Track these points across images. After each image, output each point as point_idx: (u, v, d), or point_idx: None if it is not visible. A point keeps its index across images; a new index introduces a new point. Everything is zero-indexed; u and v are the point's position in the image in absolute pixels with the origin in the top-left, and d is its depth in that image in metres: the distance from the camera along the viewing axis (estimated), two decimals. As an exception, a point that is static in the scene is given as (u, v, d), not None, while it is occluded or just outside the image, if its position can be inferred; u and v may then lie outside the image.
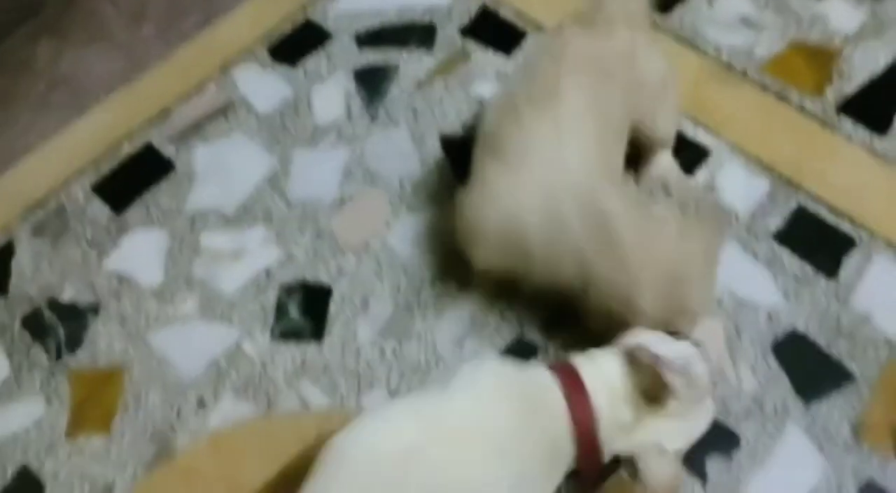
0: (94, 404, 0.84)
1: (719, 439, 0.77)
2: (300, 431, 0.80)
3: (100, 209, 0.97)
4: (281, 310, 0.88)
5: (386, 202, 0.94)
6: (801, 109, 0.96)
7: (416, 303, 0.87)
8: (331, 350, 0.85)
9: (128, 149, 1.01)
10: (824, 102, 0.97)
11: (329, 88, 1.03)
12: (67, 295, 0.91)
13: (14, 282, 0.92)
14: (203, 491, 0.78)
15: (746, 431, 0.78)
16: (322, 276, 0.90)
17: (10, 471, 0.81)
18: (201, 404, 0.83)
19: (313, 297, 0.88)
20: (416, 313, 0.87)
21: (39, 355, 0.88)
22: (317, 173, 0.97)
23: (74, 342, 0.88)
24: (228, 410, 0.82)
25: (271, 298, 0.89)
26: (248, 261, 0.91)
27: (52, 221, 0.96)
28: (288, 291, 0.89)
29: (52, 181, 0.99)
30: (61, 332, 0.89)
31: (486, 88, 1.01)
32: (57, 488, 0.80)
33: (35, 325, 0.90)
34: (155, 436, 0.82)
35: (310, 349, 0.85)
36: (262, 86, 1.04)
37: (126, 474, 0.80)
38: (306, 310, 0.88)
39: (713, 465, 0.77)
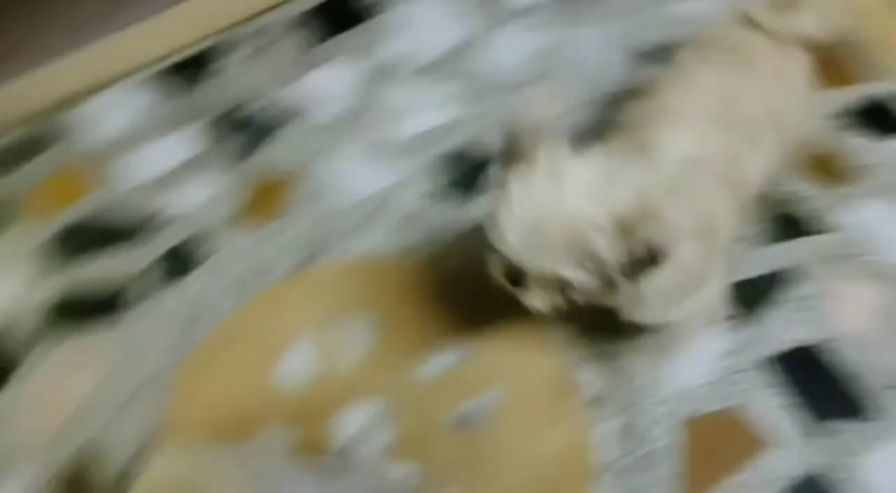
0: (265, 201, 0.91)
1: (855, 403, 0.76)
2: (440, 275, 0.84)
3: (301, 38, 1.02)
4: (443, 167, 0.92)
5: (567, 94, 0.95)
6: None
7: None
8: (477, 213, 0.88)
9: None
10: None
11: (540, -28, 1.04)
12: (262, 103, 0.98)
13: (219, 82, 1.01)
14: (336, 300, 0.84)
15: (886, 403, 0.76)
16: (490, 146, 0.92)
17: (170, 246, 0.89)
18: (354, 228, 0.89)
19: (478, 163, 0.91)
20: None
21: (231, 145, 0.96)
22: (509, 50, 0.99)
23: (260, 143, 0.95)
24: (376, 242, 0.87)
25: (438, 153, 0.92)
26: (425, 116, 0.95)
27: (257, 39, 1.03)
28: (455, 152, 0.92)
29: (263, 5, 1.05)
30: (251, 132, 0.96)
31: (691, 8, 0.99)
32: (217, 263, 0.88)
33: (232, 120, 0.98)
34: (311, 243, 0.88)
35: (460, 210, 0.89)
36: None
37: (280, 265, 0.87)
38: (466, 173, 0.91)
39: (843, 426, 0.75)
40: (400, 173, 0.92)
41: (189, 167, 0.94)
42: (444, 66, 0.99)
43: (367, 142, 0.94)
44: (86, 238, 0.91)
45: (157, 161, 0.95)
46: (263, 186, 0.92)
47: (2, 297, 0.88)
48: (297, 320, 0.83)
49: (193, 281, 0.87)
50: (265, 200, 0.91)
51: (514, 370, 0.78)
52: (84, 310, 0.86)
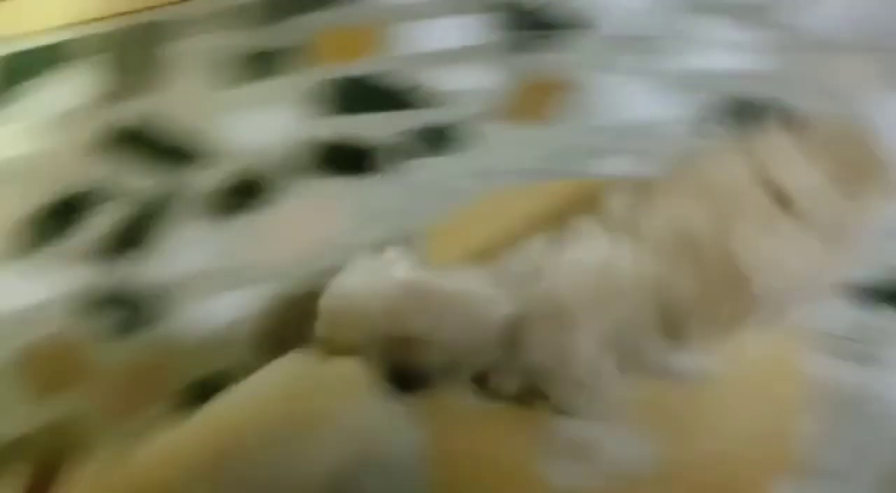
0: (532, 102, 0.91)
1: None
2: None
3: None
4: (722, 110, 0.88)
5: (875, 71, 0.87)
6: None
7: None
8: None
9: None
10: None
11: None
12: (557, 5, 0.97)
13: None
14: (571, 213, 0.82)
15: None
16: (779, 102, 0.87)
17: (430, 123, 0.91)
18: (611, 148, 0.87)
19: (758, 115, 0.86)
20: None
21: (515, 39, 0.96)
22: (830, 10, 0.92)
23: (544, 44, 0.95)
24: (627, 167, 0.86)
25: (721, 95, 0.88)
26: (720, 55, 0.91)
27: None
28: (739, 98, 0.88)
29: None
30: (538, 31, 0.96)
31: None
32: (469, 149, 0.89)
33: (523, 14, 0.97)
34: (564, 152, 0.88)
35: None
36: None
37: (527, 166, 0.87)
38: (743, 122, 0.86)
39: None
40: (675, 105, 0.89)
41: (469, 52, 0.95)
42: (757, 10, 0.93)
43: (651, 67, 0.91)
44: (358, 94, 0.95)
45: (441, 38, 0.97)
46: (535, 86, 0.92)
47: (273, 126, 0.94)
48: (528, 222, 0.83)
49: (443, 161, 0.89)
50: (532, 100, 0.91)
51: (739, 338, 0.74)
52: (339, 159, 0.90)
